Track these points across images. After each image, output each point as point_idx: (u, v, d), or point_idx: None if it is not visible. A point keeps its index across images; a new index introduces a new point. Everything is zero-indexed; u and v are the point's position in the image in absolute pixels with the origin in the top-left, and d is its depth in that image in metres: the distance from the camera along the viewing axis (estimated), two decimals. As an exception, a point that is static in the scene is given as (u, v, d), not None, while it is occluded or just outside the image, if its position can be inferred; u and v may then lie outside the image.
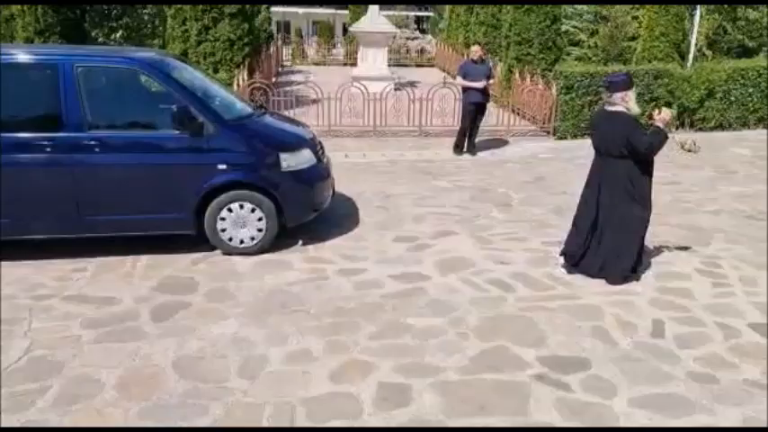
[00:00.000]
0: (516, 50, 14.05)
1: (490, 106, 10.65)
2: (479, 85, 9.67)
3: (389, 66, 20.27)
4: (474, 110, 9.91)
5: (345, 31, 28.66)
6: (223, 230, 5.41)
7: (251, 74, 12.37)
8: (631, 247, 4.82)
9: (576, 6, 20.59)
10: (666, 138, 4.63)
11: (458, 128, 10.23)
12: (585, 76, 11.20)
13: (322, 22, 35.27)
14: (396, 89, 14.25)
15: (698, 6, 15.70)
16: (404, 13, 48.00)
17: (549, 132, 11.60)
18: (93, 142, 5.06)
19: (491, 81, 9.99)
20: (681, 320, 4.26)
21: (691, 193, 7.64)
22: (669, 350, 3.87)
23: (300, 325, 4.13)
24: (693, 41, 15.49)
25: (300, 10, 45.75)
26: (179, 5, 12.18)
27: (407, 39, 31.67)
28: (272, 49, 21.03)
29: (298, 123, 6.86)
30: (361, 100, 11.18)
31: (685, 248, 5.66)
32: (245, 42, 12.72)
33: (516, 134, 11.71)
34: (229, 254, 5.44)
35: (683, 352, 3.85)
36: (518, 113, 12.45)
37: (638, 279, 4.93)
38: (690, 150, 5.11)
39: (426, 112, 11.37)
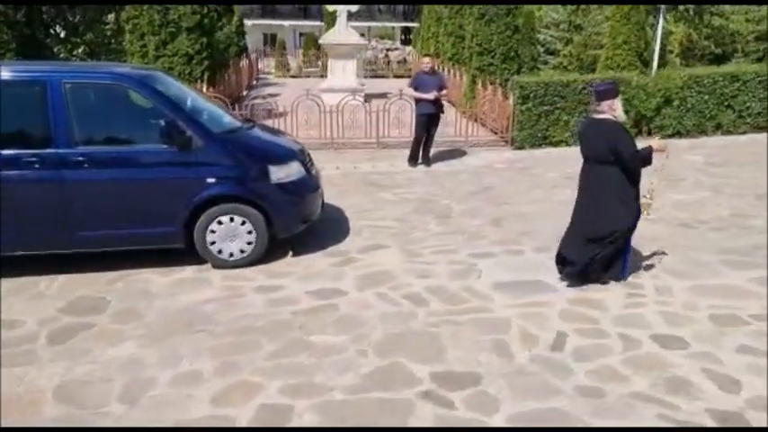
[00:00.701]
0: (479, 61, 14.12)
1: (453, 116, 10.71)
2: (430, 96, 9.69)
3: (366, 77, 20.25)
4: (426, 121, 9.92)
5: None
6: (213, 243, 5.46)
7: (212, 88, 12.35)
8: (615, 251, 4.95)
9: (553, 15, 20.76)
10: (650, 162, 4.81)
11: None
12: (541, 86, 11.25)
13: (308, 35, 35.48)
14: (365, 101, 14.19)
15: (661, 14, 15.84)
16: (390, 24, 48.36)
17: (507, 142, 11.63)
18: (81, 158, 5.09)
19: (443, 92, 10.00)
20: (585, 332, 4.26)
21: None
22: (564, 363, 3.86)
23: (199, 345, 4.09)
24: (657, 49, 15.59)
25: (286, 23, 45.99)
26: (136, 21, 12.17)
27: (388, 50, 31.83)
28: (243, 63, 21.03)
29: (286, 136, 6.96)
30: (317, 112, 11.17)
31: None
32: (204, 57, 12.71)
33: (475, 144, 11.73)
34: (219, 267, 5.48)
35: (577, 365, 3.84)
36: (482, 123, 12.53)
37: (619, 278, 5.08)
38: (644, 205, 5.04)
39: (383, 123, 11.38)
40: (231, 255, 5.51)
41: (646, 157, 4.77)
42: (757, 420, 3.30)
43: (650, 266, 5.46)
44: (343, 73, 18.12)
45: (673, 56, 20.11)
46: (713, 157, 10.32)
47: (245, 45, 24.63)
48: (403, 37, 44.45)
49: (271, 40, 40.14)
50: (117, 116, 5.41)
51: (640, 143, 4.96)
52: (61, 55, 14.09)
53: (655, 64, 15.13)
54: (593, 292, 4.96)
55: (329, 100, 11.89)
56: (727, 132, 12.23)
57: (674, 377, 3.70)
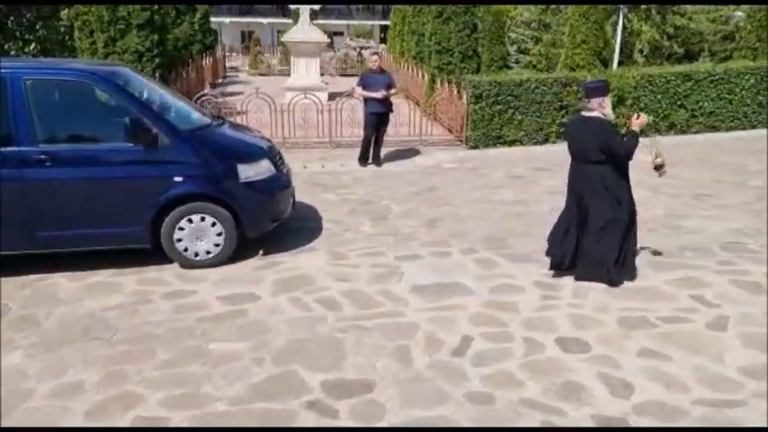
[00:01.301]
0: (438, 59, 14.07)
1: (413, 116, 10.69)
2: (378, 95, 9.61)
3: (337, 75, 20.05)
4: (376, 120, 9.84)
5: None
6: (180, 243, 5.39)
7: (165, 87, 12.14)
8: (614, 249, 4.91)
9: (524, 15, 20.80)
10: (638, 142, 4.76)
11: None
12: (494, 86, 11.22)
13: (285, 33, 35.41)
14: (329, 99, 14.00)
15: (621, 14, 15.93)
16: (368, 22, 48.22)
17: (462, 142, 11.59)
18: (43, 156, 4.98)
19: (392, 91, 9.92)
20: (490, 336, 4.21)
21: (572, 202, 7.62)
22: (461, 369, 3.80)
23: (90, 355, 3.97)
24: (617, 48, 15.66)
25: (265, 20, 45.62)
26: (85, 17, 11.92)
27: (362, 48, 31.72)
28: (206, 60, 20.78)
29: (256, 134, 6.85)
30: (268, 112, 11.04)
31: (539, 260, 5.62)
32: (155, 54, 12.49)
33: (430, 144, 11.68)
34: (188, 267, 5.40)
35: (475, 370, 3.79)
36: (441, 123, 12.50)
37: (629, 275, 5.06)
38: (658, 168, 5.11)
39: (336, 122, 11.28)
40: (197, 254, 5.45)
41: (634, 141, 4.75)
42: (639, 424, 3.26)
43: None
44: (307, 71, 17.98)
45: (642, 55, 20.22)
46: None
47: (211, 42, 24.36)
48: (382, 35, 44.43)
49: (249, 37, 39.83)
50: (80, 114, 5.30)
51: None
52: (12, 52, 13.77)
53: (615, 63, 15.20)
54: (508, 294, 4.91)
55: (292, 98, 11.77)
56: (680, 132, 12.32)
57: (569, 382, 3.66)
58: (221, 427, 3.25)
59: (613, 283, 4.97)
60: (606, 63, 15.61)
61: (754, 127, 12.56)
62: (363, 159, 10.10)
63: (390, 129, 11.41)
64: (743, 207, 7.27)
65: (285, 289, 5.03)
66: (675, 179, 8.69)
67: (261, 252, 5.81)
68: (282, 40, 18.89)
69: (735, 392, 3.54)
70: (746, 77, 12.22)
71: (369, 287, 5.06)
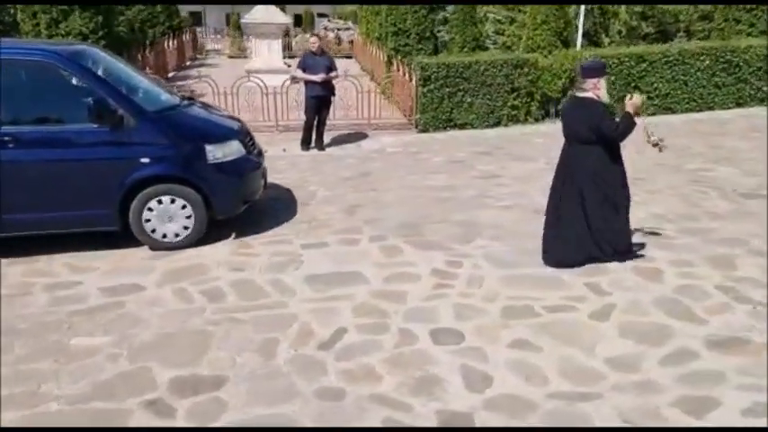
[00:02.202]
0: (394, 41, 13.83)
1: (363, 98, 10.57)
2: (318, 78, 9.41)
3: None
4: (316, 104, 9.66)
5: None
6: (149, 225, 5.36)
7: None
8: (622, 226, 4.94)
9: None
10: (635, 124, 4.67)
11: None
12: (442, 68, 11.02)
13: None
14: (294, 82, 13.67)
15: (584, -7, 15.60)
16: (352, 6, 47.48)
17: (413, 125, 11.42)
18: (6, 138, 4.93)
19: (333, 74, 9.71)
20: (367, 328, 4.10)
21: (503, 187, 7.53)
22: (323, 363, 3.69)
23: (-57, 350, 3.81)
24: (580, 29, 15.43)
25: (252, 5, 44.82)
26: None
27: (339, 30, 31.29)
28: (169, 43, 20.36)
29: (227, 114, 6.82)
30: (212, 94, 10.82)
31: (448, 247, 5.51)
32: (101, 36, 12.20)
33: (380, 127, 11.50)
34: (157, 249, 5.38)
35: (336, 365, 3.68)
36: (398, 106, 12.33)
37: (624, 256, 5.03)
38: (656, 146, 4.96)
39: (283, 106, 11.07)
40: (169, 236, 5.44)
41: (628, 127, 4.64)
42: (485, 420, 3.16)
43: (470, 256, 5.30)
44: (269, 53, 17.68)
45: (620, 36, 19.95)
46: (609, 139, 10.22)
47: (179, 24, 23.89)
48: (367, 17, 43.79)
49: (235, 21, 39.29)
50: (44, 95, 5.19)
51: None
52: (-44, 35, 13.40)
53: (578, 44, 14.98)
54: (402, 283, 4.79)
55: (268, 81, 11.55)
56: (635, 114, 12.17)
57: (428, 376, 3.56)
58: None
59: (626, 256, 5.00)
60: (568, 44, 15.40)
61: (710, 108, 12.46)
62: (305, 144, 9.93)
63: (340, 112, 11.26)
64: (673, 191, 7.17)
65: (173, 279, 4.88)
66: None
67: (233, 234, 5.76)
68: (242, 21, 18.50)
69: (593, 385, 3.45)
70: (701, 58, 12.09)
71: (261, 277, 4.93)
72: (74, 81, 5.12)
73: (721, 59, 12.13)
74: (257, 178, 6.01)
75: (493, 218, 6.36)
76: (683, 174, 7.90)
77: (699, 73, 12.13)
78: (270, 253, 5.44)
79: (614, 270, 4.98)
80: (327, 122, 10.34)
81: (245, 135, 6.04)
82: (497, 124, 11.56)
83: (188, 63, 23.11)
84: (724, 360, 3.67)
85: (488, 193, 7.24)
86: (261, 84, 11.08)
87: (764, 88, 12.55)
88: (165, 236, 5.42)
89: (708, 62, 12.10)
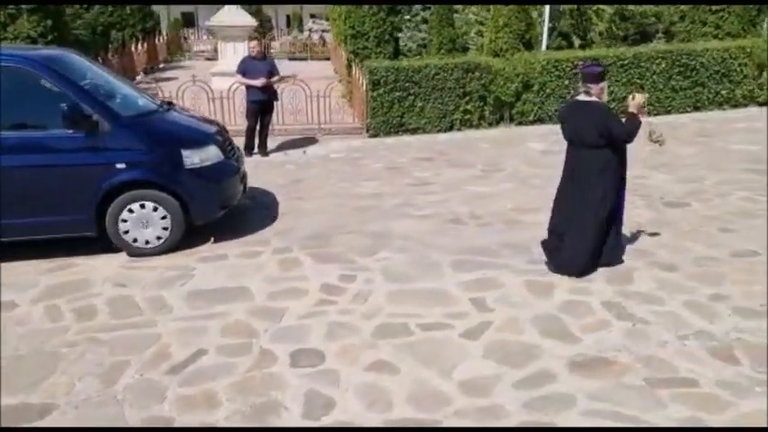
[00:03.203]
0: (353, 44, 13.70)
1: (315, 102, 10.47)
2: (258, 82, 9.29)
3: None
4: (257, 109, 9.55)
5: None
6: (126, 231, 5.38)
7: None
8: (611, 231, 4.95)
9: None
10: (640, 123, 4.66)
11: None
12: (391, 71, 10.90)
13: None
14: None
15: (549, -5, 15.50)
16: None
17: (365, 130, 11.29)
18: None
19: (275, 79, 9.59)
20: (229, 349, 3.99)
21: (430, 195, 7.40)
22: (164, 389, 3.57)
23: None
24: (545, 32, 15.32)
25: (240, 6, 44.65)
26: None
27: (323, 31, 31.12)
28: (139, 46, 20.20)
29: (206, 120, 6.79)
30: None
31: (349, 260, 5.40)
32: (50, 40, 12.06)
33: (332, 132, 11.38)
34: (134, 255, 5.40)
35: (178, 390, 3.56)
36: (355, 110, 12.22)
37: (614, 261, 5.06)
38: (656, 142, 5.07)
39: (229, 110, 10.94)
40: (147, 242, 5.45)
41: (636, 127, 4.65)
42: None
43: (368, 269, 5.17)
44: (235, 56, 17.48)
45: (601, 38, 19.81)
46: (556, 144, 10.09)
47: (152, 26, 23.72)
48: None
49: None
50: (18, 100, 5.11)
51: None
52: None
53: (543, 46, 14.86)
54: (287, 299, 4.68)
55: (220, 84, 11.43)
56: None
57: (269, 401, 3.43)
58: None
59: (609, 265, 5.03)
60: (532, 46, 15.27)
61: (668, 112, 12.34)
62: (248, 149, 9.78)
63: (290, 116, 11.15)
64: (599, 199, 7.02)
65: (51, 296, 4.75)
66: (550, 169, 8.43)
67: (212, 239, 5.76)
68: (208, 24, 18.36)
69: (436, 411, 3.32)
70: (657, 61, 11.98)
71: (143, 293, 4.80)
72: (48, 86, 5.10)
73: (677, 63, 12.03)
74: (236, 183, 5.99)
75: (407, 228, 6.24)
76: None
77: (655, 76, 12.02)
78: (164, 266, 5.31)
79: (507, 284, 4.86)
80: (279, 127, 10.19)
81: (223, 140, 6.03)
82: (450, 128, 11.45)
83: (161, 66, 22.94)
84: (581, 383, 3.55)
85: (413, 202, 7.12)
86: (207, 88, 10.94)
87: (723, 92, 12.43)
88: (147, 242, 5.45)
89: (664, 65, 12.00)
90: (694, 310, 4.34)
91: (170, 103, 6.72)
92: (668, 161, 8.53)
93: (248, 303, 4.60)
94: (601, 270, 5.01)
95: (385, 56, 13.59)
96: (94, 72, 6.02)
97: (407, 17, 18.15)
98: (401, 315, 4.38)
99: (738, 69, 12.34)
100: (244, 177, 6.29)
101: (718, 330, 4.08)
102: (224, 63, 17.27)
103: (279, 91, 10.05)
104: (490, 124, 11.73)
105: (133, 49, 19.33)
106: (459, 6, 17.95)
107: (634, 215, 6.38)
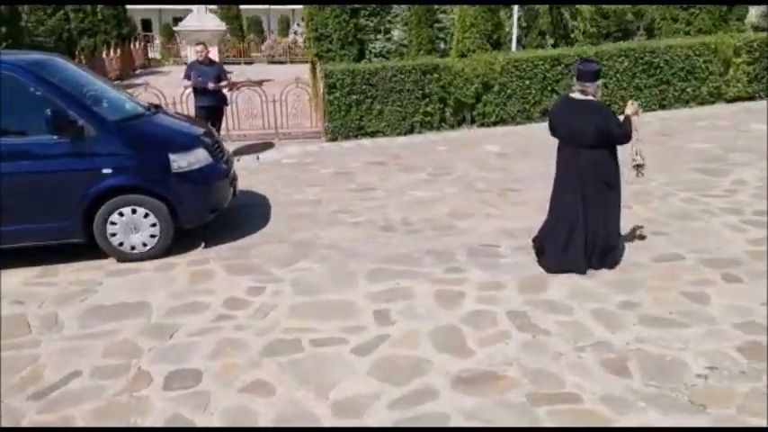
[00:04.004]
0: (316, 46, 13.54)
1: (267, 107, 10.33)
2: (207, 86, 9.13)
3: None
4: (205, 114, 9.36)
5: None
6: (114, 236, 5.34)
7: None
8: (617, 231, 4.88)
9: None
10: (632, 128, 4.65)
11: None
12: (347, 74, 10.74)
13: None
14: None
15: (517, -5, 15.33)
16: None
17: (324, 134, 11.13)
18: None
19: (223, 83, 9.43)
20: (106, 370, 3.84)
21: (369, 201, 7.24)
22: (20, 415, 3.40)
23: None
24: (515, 31, 15.16)
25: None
26: None
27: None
28: (111, 52, 20.07)
29: (194, 122, 6.76)
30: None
31: (264, 271, 5.26)
32: (5, 46, 11.92)
33: (291, 137, 11.23)
34: (124, 261, 5.38)
35: (35, 418, 3.40)
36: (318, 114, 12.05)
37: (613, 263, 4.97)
38: (636, 167, 4.96)
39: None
40: (134, 247, 5.41)
41: (629, 128, 4.63)
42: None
43: (282, 280, 5.01)
44: (205, 61, 17.34)
45: (584, 36, 19.65)
46: (512, 146, 9.96)
47: (127, 32, 23.59)
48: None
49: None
50: (3, 106, 5.04)
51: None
52: None
53: (513, 46, 14.71)
54: (184, 314, 4.51)
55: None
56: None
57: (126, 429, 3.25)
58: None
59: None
60: (500, 46, 15.12)
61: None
62: (199, 156, 9.58)
63: (246, 122, 11.01)
64: (538, 203, 6.84)
65: (-58, 315, 4.57)
66: (500, 172, 8.32)
67: (203, 244, 5.71)
68: (176, 29, 18.23)
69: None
70: (620, 60, 11.85)
71: (39, 311, 4.65)
72: (33, 92, 5.06)
73: (641, 61, 11.88)
74: (225, 186, 5.93)
75: (336, 236, 6.08)
76: (561, 183, 7.60)
77: (618, 75, 11.87)
78: (70, 281, 5.14)
79: (418, 295, 4.70)
80: (237, 132, 10.01)
81: (211, 143, 5.97)
82: (411, 131, 11.30)
83: (137, 71, 22.79)
84: (461, 401, 3.39)
85: (350, 208, 6.96)
86: (159, 94, 10.78)
87: (688, 89, 12.29)
88: (132, 247, 5.41)
89: (627, 63, 11.85)
90: (600, 320, 4.18)
91: (157, 107, 6.67)
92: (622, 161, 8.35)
93: (142, 320, 4.43)
94: (521, 276, 4.87)
95: (350, 58, 13.44)
96: (81, 76, 6.01)
97: (388, 18, 17.99)
98: (297, 330, 4.21)
99: (703, 66, 12.19)
100: (234, 180, 6.23)
101: (618, 341, 3.91)
102: (194, 68, 17.07)
103: (232, 96, 9.90)
104: (452, 126, 11.58)
105: (104, 55, 19.19)
106: (447, 7, 17.74)
107: (568, 219, 6.21)
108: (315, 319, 4.37)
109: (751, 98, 12.47)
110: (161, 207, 5.37)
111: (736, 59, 12.28)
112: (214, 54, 17.57)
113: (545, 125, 11.21)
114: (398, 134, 11.21)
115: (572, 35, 19.64)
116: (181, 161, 5.44)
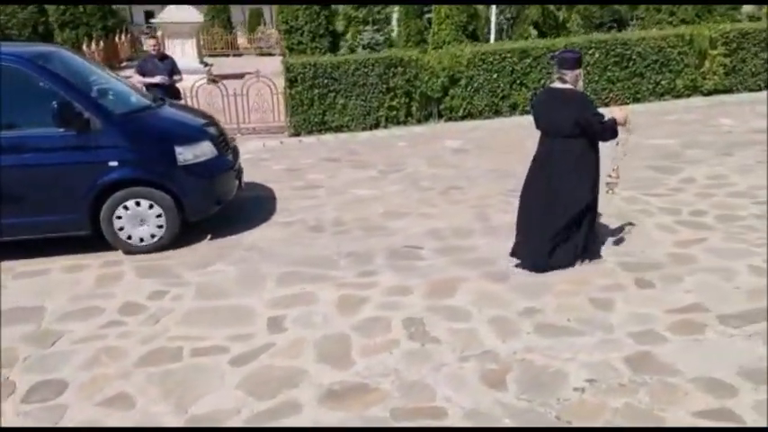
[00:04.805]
0: (287, 39, 13.41)
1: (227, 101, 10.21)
2: (157, 81, 8.99)
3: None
4: (158, 110, 9.19)
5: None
6: (121, 229, 5.38)
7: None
8: (582, 226, 4.68)
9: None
10: (617, 134, 4.50)
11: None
12: (308, 68, 10.57)
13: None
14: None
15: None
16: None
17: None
18: None
19: (177, 78, 9.28)
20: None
21: (308, 200, 7.09)
22: None
23: None
24: (493, 22, 14.91)
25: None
26: None
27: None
28: (94, 44, 19.93)
29: (200, 114, 6.72)
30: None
31: (174, 274, 5.15)
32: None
33: (255, 132, 11.08)
34: (130, 253, 5.41)
35: None
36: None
37: (590, 258, 4.82)
38: (609, 185, 4.83)
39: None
40: (141, 240, 5.45)
41: (613, 128, 4.46)
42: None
43: (189, 284, 4.88)
44: (183, 54, 17.24)
45: (577, 26, 19.38)
46: (473, 142, 9.78)
47: (113, 25, 23.45)
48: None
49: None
50: (8, 99, 5.04)
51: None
52: None
53: (492, 37, 14.49)
54: (76, 320, 4.40)
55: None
56: (525, 112, 11.62)
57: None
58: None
59: (576, 259, 4.76)
60: (477, 38, 14.92)
61: (606, 105, 11.91)
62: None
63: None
64: (478, 201, 6.71)
65: None
66: (452, 168, 8.15)
67: (209, 236, 5.74)
68: (152, 21, 18.07)
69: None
70: (591, 52, 11.59)
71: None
72: (38, 85, 5.06)
73: (612, 53, 11.64)
74: (230, 179, 5.92)
75: (261, 236, 5.95)
76: (508, 180, 7.42)
77: (589, 68, 11.60)
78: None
79: (321, 301, 4.56)
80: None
81: (217, 135, 5.95)
82: (376, 126, 11.13)
83: (123, 64, 22.62)
84: (322, 416, 3.25)
85: (288, 207, 6.83)
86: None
87: (663, 82, 12.04)
88: (142, 239, 5.45)
89: (598, 56, 11.62)
90: (496, 327, 4.03)
91: (162, 99, 6.66)
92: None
93: (31, 326, 4.31)
94: (432, 280, 4.73)
95: (321, 51, 13.29)
96: (86, 69, 6.02)
97: (376, 9, 17.81)
98: (182, 338, 4.08)
99: (678, 58, 11.93)
100: (239, 173, 6.22)
101: (506, 350, 3.76)
102: (172, 61, 16.93)
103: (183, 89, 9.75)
104: (419, 121, 11.39)
105: (85, 47, 19.05)
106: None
107: (497, 220, 6.07)
108: (206, 326, 4.24)
109: (728, 91, 12.19)
110: (167, 199, 5.38)
111: (713, 51, 12.00)
112: (192, 47, 17.44)
113: (515, 119, 11.21)
114: (363, 129, 11.04)
115: (567, 25, 19.40)
116: (186, 154, 5.44)
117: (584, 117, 4.38)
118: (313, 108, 10.77)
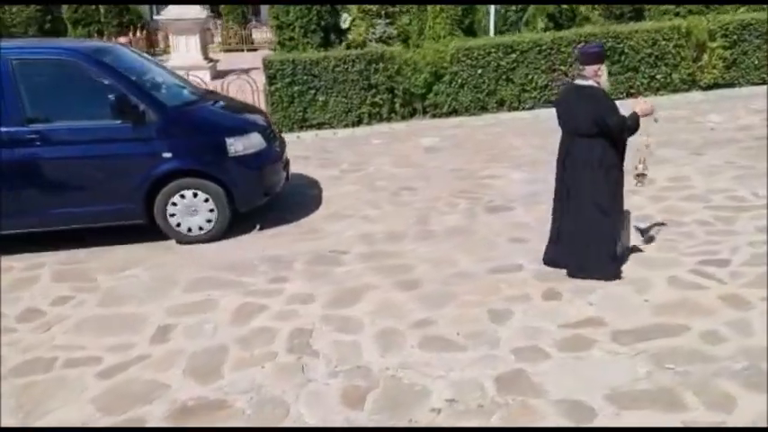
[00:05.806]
0: (279, 35, 13.30)
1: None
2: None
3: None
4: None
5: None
6: (174, 218, 5.51)
7: None
8: (605, 228, 4.41)
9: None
10: (638, 127, 4.32)
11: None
12: (287, 64, 10.46)
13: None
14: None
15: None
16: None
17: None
18: (34, 136, 5.14)
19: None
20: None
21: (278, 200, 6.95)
22: None
23: None
24: (492, 14, 14.56)
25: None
26: None
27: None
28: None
29: (248, 107, 6.96)
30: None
31: (89, 278, 5.10)
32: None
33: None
34: (183, 242, 5.57)
35: None
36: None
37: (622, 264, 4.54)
38: (638, 176, 4.70)
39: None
40: (191, 229, 5.58)
41: (633, 126, 4.29)
42: None
43: (98, 289, 4.83)
44: (187, 49, 17.36)
45: (596, 15, 18.86)
46: (451, 139, 9.55)
47: (129, 22, 23.67)
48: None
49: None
50: (69, 92, 5.31)
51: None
52: None
53: (491, 30, 14.16)
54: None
55: None
56: (512, 108, 11.32)
57: None
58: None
59: (616, 276, 4.40)
60: (474, 32, 14.58)
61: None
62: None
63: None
64: (424, 203, 6.51)
65: None
66: (414, 168, 7.95)
67: (258, 226, 5.83)
68: (158, 17, 18.20)
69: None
70: (580, 45, 11.14)
71: None
72: (96, 78, 5.22)
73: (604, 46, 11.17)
74: (278, 170, 6.03)
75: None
76: (465, 181, 7.20)
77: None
78: None
79: (219, 308, 4.46)
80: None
81: (266, 127, 6.09)
82: (359, 123, 10.96)
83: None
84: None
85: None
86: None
87: (658, 77, 11.58)
88: (190, 229, 5.56)
89: (588, 50, 11.16)
90: (382, 340, 3.86)
91: (212, 92, 6.87)
92: (540, 158, 7.89)
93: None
94: (344, 288, 4.58)
95: (313, 46, 13.12)
96: (141, 63, 6.21)
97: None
98: (62, 348, 4.02)
99: (674, 52, 11.44)
100: (286, 164, 6.33)
101: (380, 366, 3.59)
102: (176, 57, 17.12)
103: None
104: (403, 117, 11.18)
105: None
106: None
107: (437, 223, 5.88)
108: (93, 334, 4.17)
109: (729, 85, 11.65)
110: (218, 190, 5.48)
111: (711, 44, 11.47)
112: (196, 43, 17.48)
113: (501, 116, 10.91)
114: (345, 126, 10.88)
115: (590, 17, 18.83)
116: (237, 145, 5.54)
117: (602, 118, 4.17)
118: (293, 105, 10.66)
